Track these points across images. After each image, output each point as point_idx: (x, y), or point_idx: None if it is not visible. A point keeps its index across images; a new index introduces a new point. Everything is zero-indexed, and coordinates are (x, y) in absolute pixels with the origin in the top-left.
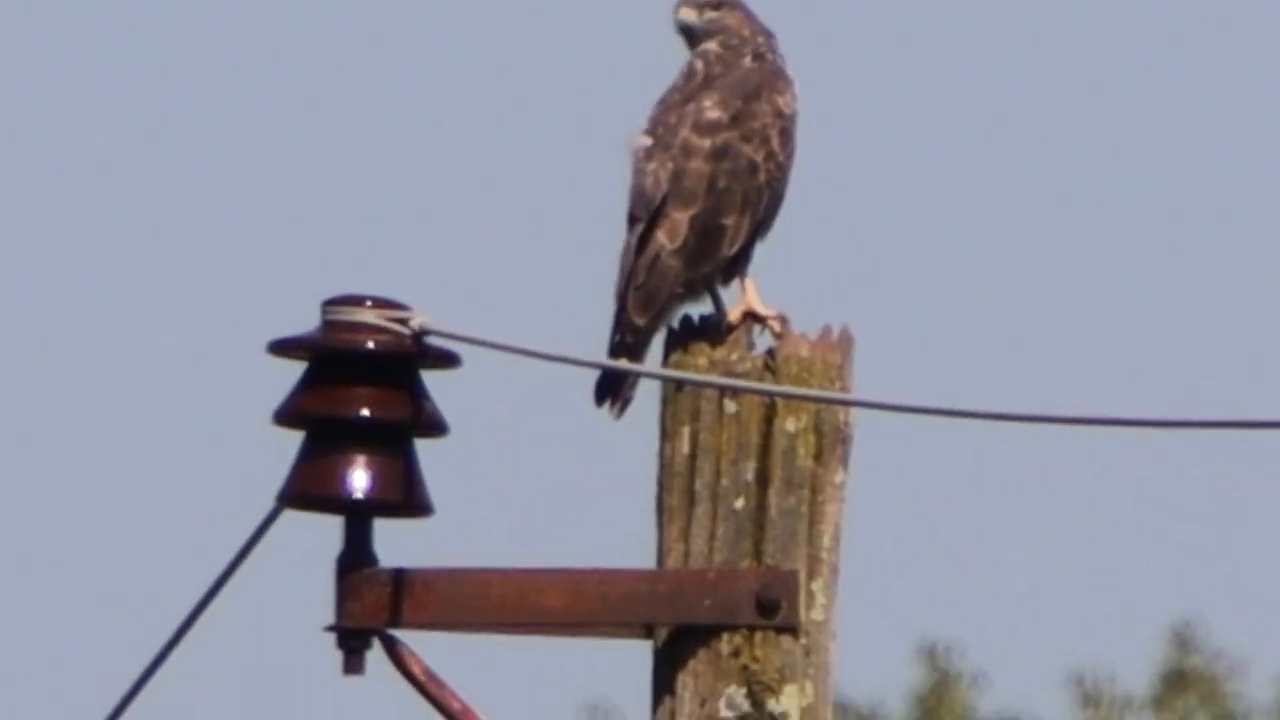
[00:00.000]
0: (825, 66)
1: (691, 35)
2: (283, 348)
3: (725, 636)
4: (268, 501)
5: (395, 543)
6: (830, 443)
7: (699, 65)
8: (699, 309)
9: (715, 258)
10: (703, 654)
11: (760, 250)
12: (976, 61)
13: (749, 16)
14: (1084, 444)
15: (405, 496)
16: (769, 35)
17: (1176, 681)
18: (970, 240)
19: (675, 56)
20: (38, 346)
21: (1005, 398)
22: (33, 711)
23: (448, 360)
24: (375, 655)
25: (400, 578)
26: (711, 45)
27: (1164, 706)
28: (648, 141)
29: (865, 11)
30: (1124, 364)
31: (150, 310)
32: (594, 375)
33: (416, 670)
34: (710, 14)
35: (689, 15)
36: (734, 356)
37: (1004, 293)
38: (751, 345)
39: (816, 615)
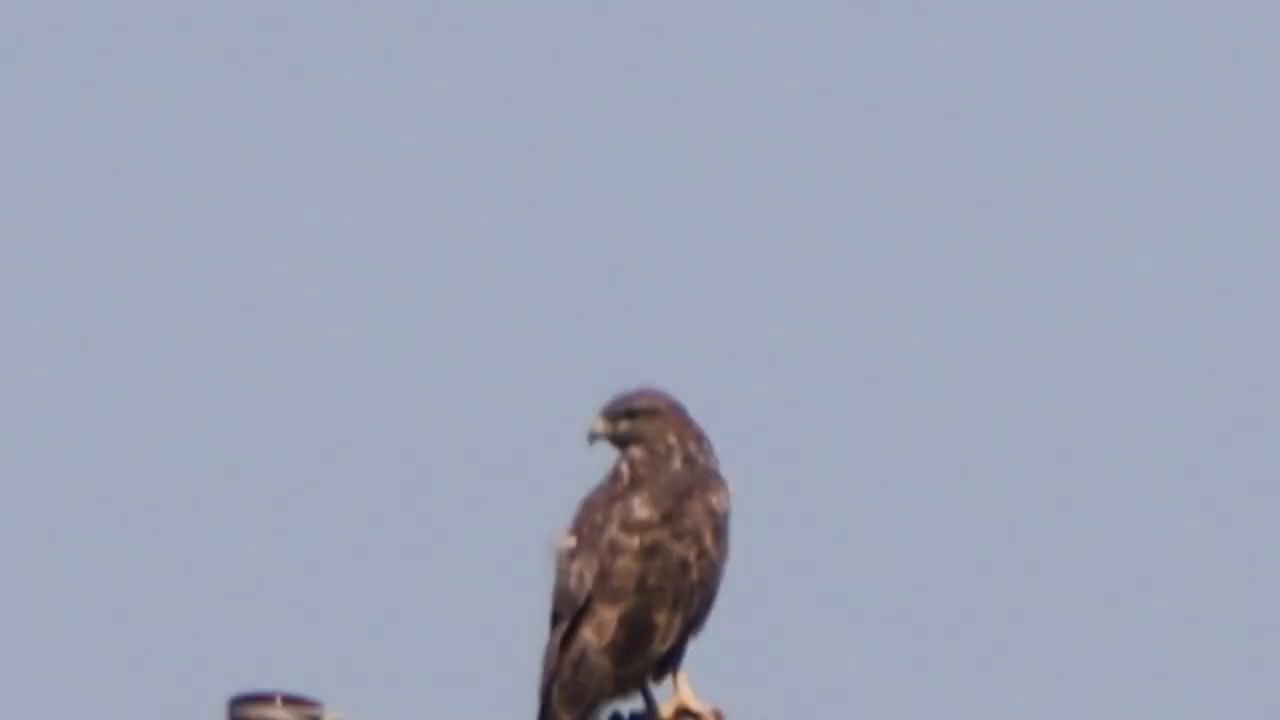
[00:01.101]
0: None
1: (613, 442)
2: None
3: None
4: None
5: None
6: None
7: (624, 469)
8: (629, 706)
9: (646, 655)
10: None
11: (693, 647)
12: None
13: (676, 422)
14: None
15: None
16: (700, 438)
17: None
18: (909, 641)
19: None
20: None
21: None
22: None
23: None
24: None
25: None
26: (636, 451)
27: None
28: (572, 542)
29: None
30: None
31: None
32: None
33: None
34: (625, 424)
35: (598, 426)
36: None
37: (940, 685)
38: None
39: None
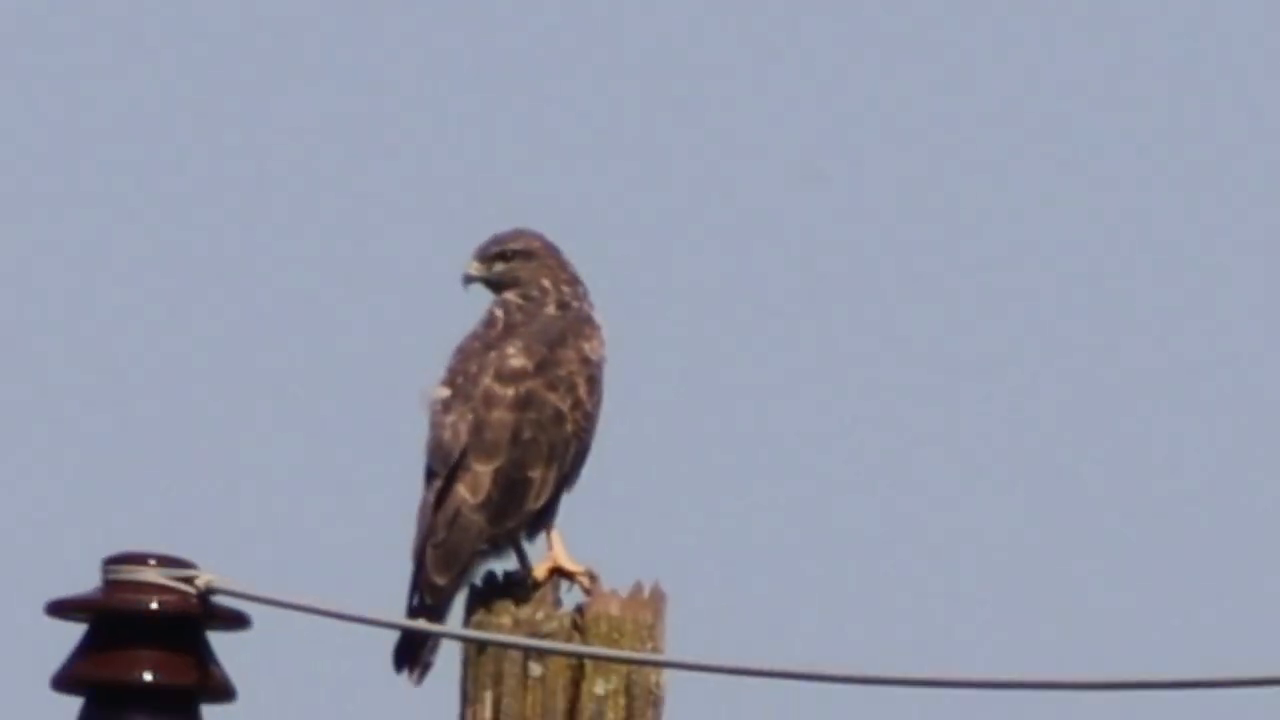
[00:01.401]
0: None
1: (488, 285)
2: (61, 609)
3: None
4: None
5: None
6: (641, 705)
7: (499, 313)
8: (503, 565)
9: (521, 512)
10: None
11: (567, 502)
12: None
13: (552, 265)
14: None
15: None
16: (576, 282)
17: None
18: (789, 490)
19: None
20: None
21: (827, 656)
22: None
23: (236, 621)
24: None
25: None
26: (511, 295)
27: None
28: (445, 393)
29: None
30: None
31: None
32: (392, 639)
33: None
34: (500, 266)
35: (472, 269)
36: (540, 615)
37: (822, 546)
38: (559, 603)
39: None
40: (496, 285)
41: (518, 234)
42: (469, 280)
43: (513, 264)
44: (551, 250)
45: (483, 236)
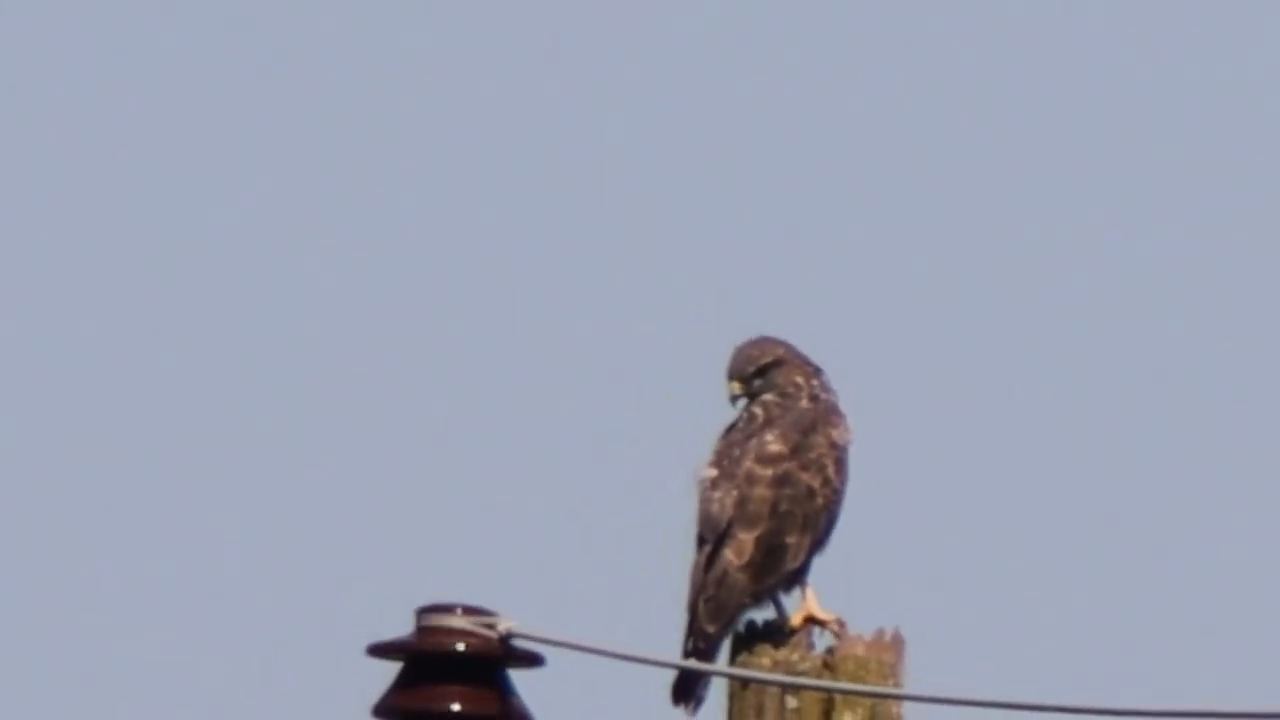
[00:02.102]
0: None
1: (750, 398)
2: (380, 650)
3: None
4: None
5: None
6: None
7: (759, 412)
8: (763, 615)
9: (779, 572)
10: None
11: (819, 562)
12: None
13: (796, 363)
14: None
15: None
16: (818, 372)
17: None
18: (1015, 544)
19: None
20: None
21: (1058, 690)
22: None
23: (533, 660)
24: None
25: None
26: (769, 396)
27: None
28: (713, 473)
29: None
30: (1173, 656)
31: (248, 612)
32: (670, 676)
33: None
34: (758, 381)
35: (737, 390)
36: (795, 656)
37: (1052, 588)
38: (811, 646)
39: None
40: (756, 394)
41: (764, 348)
42: (735, 400)
43: (768, 376)
44: (793, 351)
45: (727, 353)
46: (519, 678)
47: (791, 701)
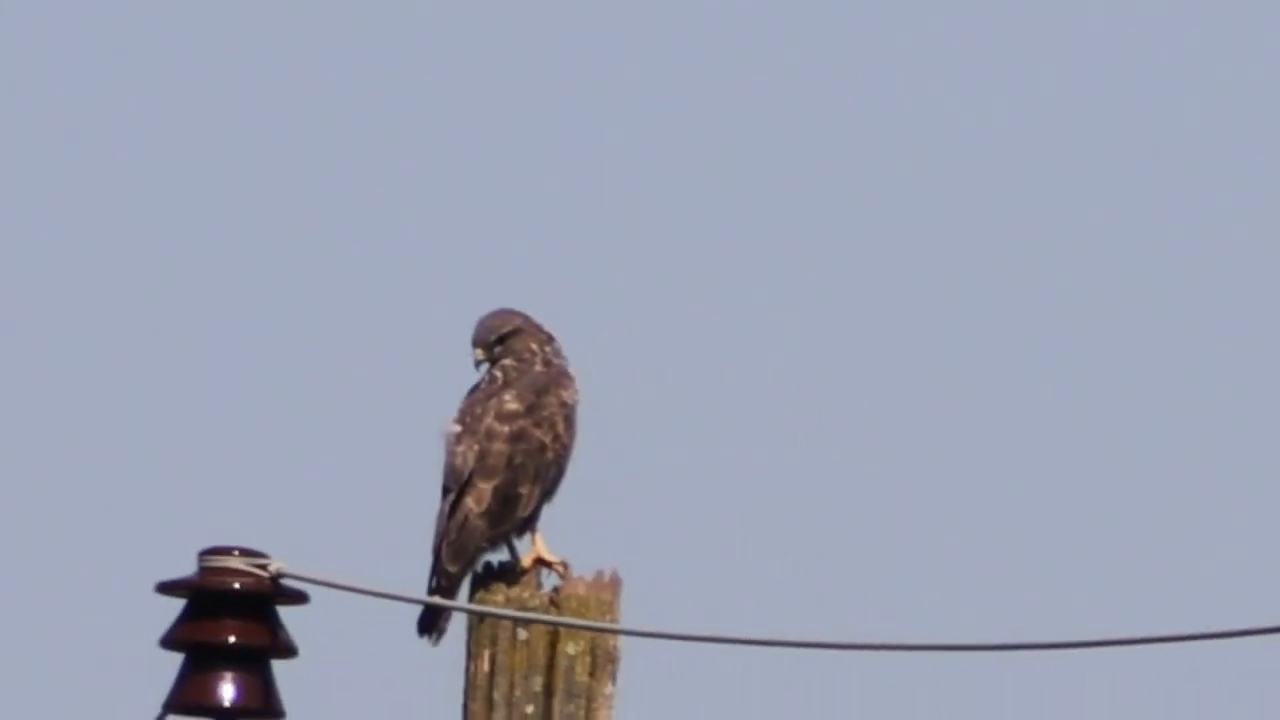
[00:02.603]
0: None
1: (491, 363)
2: (167, 588)
3: None
4: (153, 711)
5: None
6: (602, 662)
7: (498, 374)
8: (498, 557)
9: (513, 519)
10: None
11: (547, 511)
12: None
13: (532, 331)
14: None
15: (264, 704)
16: (551, 340)
17: None
18: (719, 495)
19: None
20: None
21: (747, 625)
22: None
23: (299, 597)
24: None
25: None
26: (508, 361)
27: None
28: (458, 429)
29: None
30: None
31: (44, 556)
32: (416, 611)
33: None
34: (497, 349)
35: (480, 355)
36: (526, 594)
37: (740, 537)
38: (540, 585)
39: None
40: (497, 359)
41: (504, 318)
42: (478, 365)
43: (507, 343)
44: (530, 322)
45: (470, 324)
46: (287, 613)
47: (522, 634)
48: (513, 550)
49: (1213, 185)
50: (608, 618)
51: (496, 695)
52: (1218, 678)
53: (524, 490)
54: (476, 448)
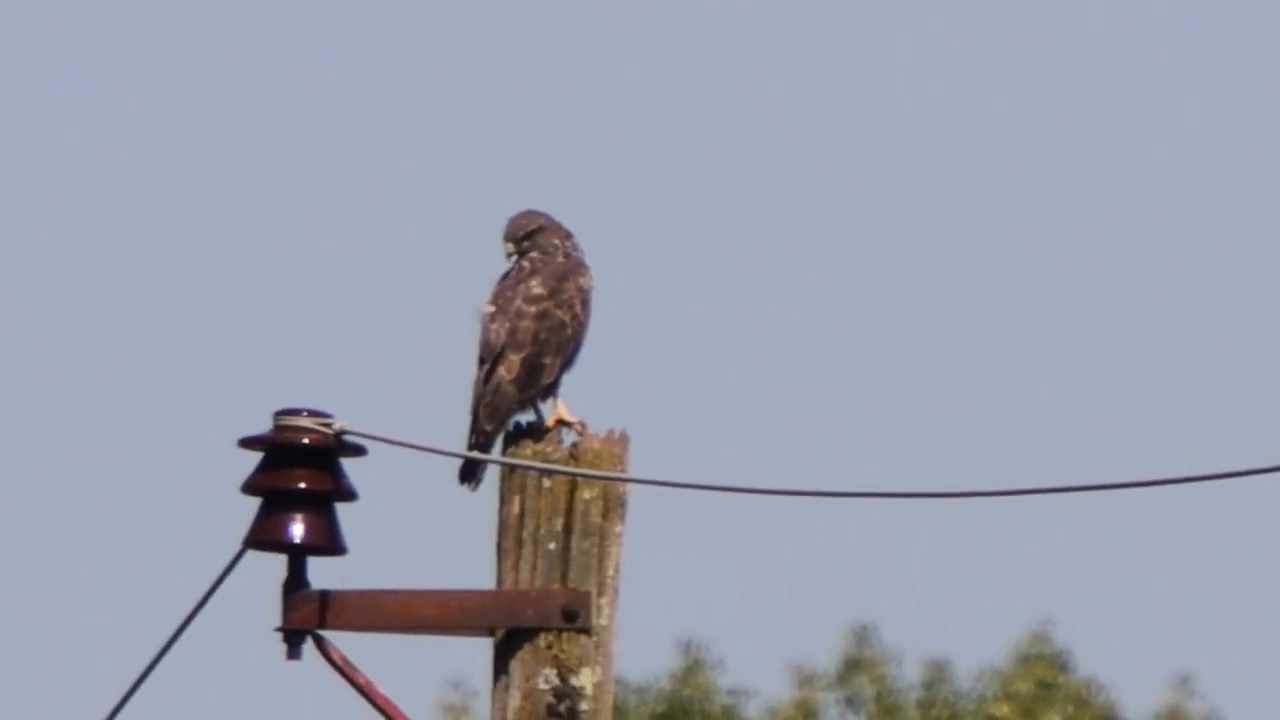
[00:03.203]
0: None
1: (520, 255)
2: (248, 443)
3: (542, 635)
4: (235, 545)
5: (321, 572)
6: (613, 506)
7: (526, 265)
8: (526, 418)
9: (538, 385)
10: (527, 647)
11: (567, 379)
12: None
13: (554, 229)
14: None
15: (328, 542)
16: (570, 236)
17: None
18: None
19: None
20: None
21: (730, 475)
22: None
23: (358, 451)
24: (309, 648)
25: (325, 596)
26: (534, 254)
27: (844, 684)
28: (492, 309)
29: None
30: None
31: (153, 420)
32: (457, 463)
33: (336, 658)
34: (525, 243)
35: (510, 249)
36: (549, 449)
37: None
38: (561, 441)
39: (603, 621)
40: (525, 252)
41: (530, 218)
42: (509, 256)
43: (533, 238)
44: (552, 220)
45: (501, 221)
46: (348, 464)
47: (546, 482)
48: (538, 412)
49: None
50: (618, 468)
51: (524, 534)
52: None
53: (547, 361)
54: (508, 325)
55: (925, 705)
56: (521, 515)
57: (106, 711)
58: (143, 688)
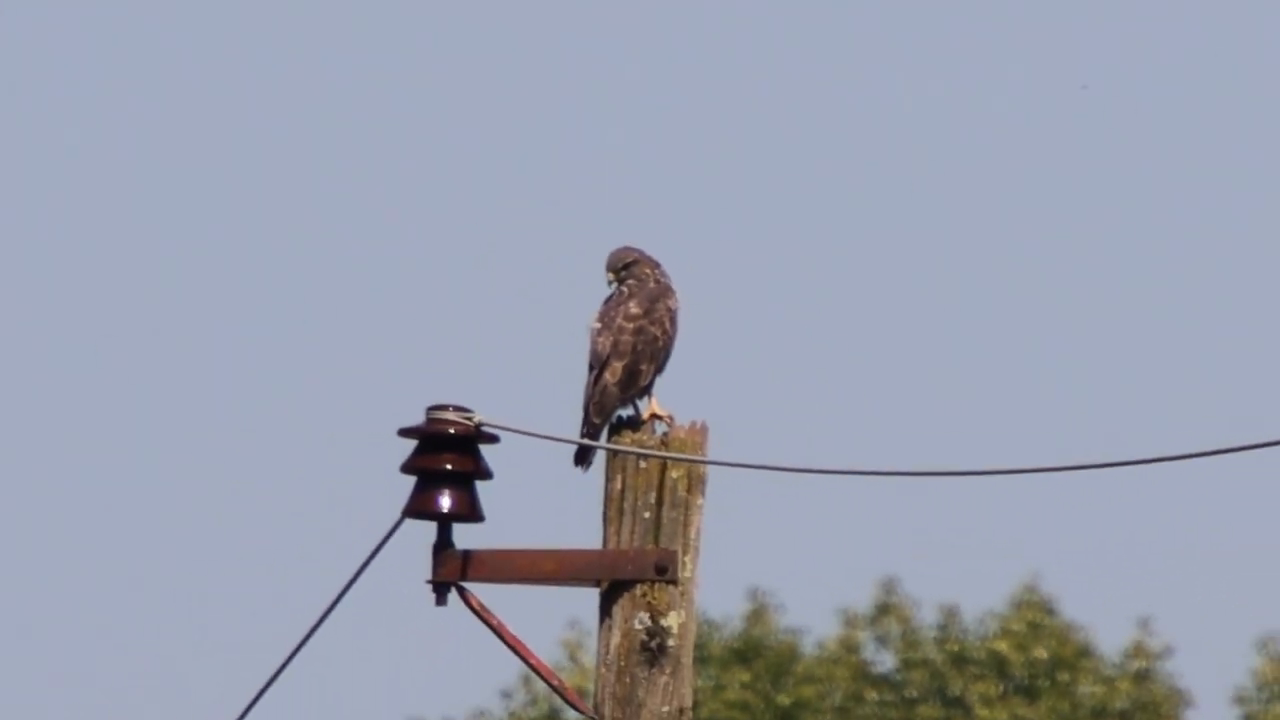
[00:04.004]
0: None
1: (620, 283)
2: (406, 432)
3: (638, 586)
4: (395, 514)
5: (463, 535)
6: (695, 482)
7: (624, 290)
8: (627, 412)
9: (636, 386)
10: (626, 595)
11: (659, 381)
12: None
13: (646, 261)
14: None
15: (469, 511)
16: (658, 265)
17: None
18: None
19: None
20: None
21: (795, 457)
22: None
23: (493, 439)
24: (453, 597)
25: (466, 554)
26: (631, 282)
27: (875, 625)
28: (598, 325)
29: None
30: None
31: (328, 417)
32: (572, 449)
33: (474, 604)
34: (623, 273)
35: (611, 278)
36: (645, 437)
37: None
38: (654, 431)
39: (687, 574)
40: (623, 280)
41: (626, 252)
42: (611, 284)
43: (630, 269)
44: (644, 254)
45: (603, 256)
46: (486, 450)
47: (642, 464)
48: (636, 408)
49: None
50: (699, 453)
51: (625, 505)
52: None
53: (643, 367)
54: (611, 339)
55: (940, 642)
56: (623, 490)
57: (297, 641)
58: (321, 630)
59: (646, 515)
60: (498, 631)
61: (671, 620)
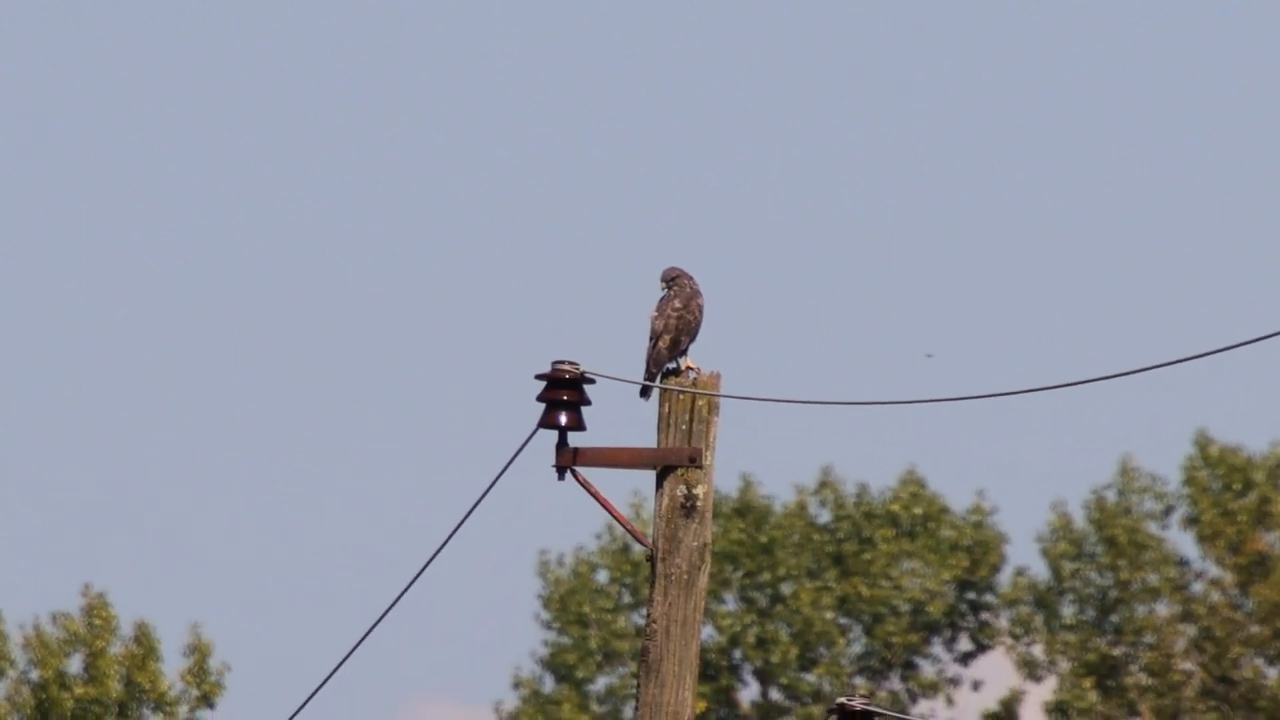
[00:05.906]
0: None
1: (667, 288)
2: (539, 376)
3: (679, 469)
4: (531, 425)
5: (574, 438)
6: (713, 407)
7: (673, 293)
8: (671, 365)
9: (678, 351)
10: (671, 475)
11: (693, 348)
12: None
13: (685, 275)
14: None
15: (577, 425)
16: (692, 278)
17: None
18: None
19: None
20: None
21: (784, 390)
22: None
23: (592, 381)
24: (569, 478)
25: (576, 450)
26: (674, 288)
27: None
28: (655, 313)
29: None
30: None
31: (493, 368)
32: (637, 388)
33: (581, 480)
34: (671, 283)
35: (663, 286)
36: (683, 380)
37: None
38: (689, 377)
39: (708, 463)
40: (669, 286)
41: (673, 270)
42: (663, 287)
43: (675, 281)
44: (684, 271)
45: (659, 269)
46: (588, 388)
47: (681, 396)
48: (677, 363)
49: None
50: (715, 389)
51: (670, 421)
52: None
53: (684, 340)
54: (663, 322)
55: (858, 504)
56: (669, 412)
57: (469, 505)
58: (486, 499)
59: (683, 427)
60: (595, 496)
61: (699, 490)
